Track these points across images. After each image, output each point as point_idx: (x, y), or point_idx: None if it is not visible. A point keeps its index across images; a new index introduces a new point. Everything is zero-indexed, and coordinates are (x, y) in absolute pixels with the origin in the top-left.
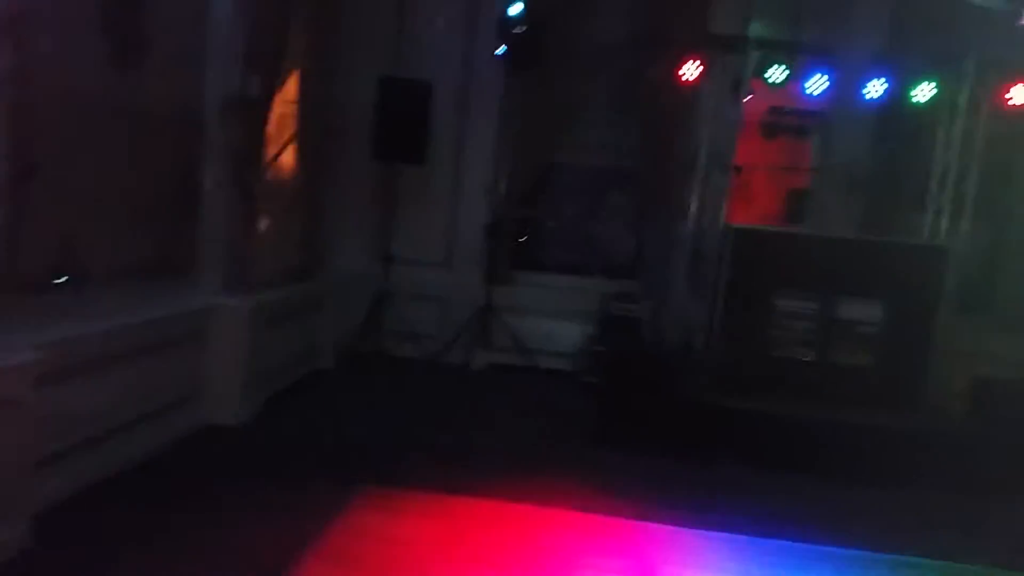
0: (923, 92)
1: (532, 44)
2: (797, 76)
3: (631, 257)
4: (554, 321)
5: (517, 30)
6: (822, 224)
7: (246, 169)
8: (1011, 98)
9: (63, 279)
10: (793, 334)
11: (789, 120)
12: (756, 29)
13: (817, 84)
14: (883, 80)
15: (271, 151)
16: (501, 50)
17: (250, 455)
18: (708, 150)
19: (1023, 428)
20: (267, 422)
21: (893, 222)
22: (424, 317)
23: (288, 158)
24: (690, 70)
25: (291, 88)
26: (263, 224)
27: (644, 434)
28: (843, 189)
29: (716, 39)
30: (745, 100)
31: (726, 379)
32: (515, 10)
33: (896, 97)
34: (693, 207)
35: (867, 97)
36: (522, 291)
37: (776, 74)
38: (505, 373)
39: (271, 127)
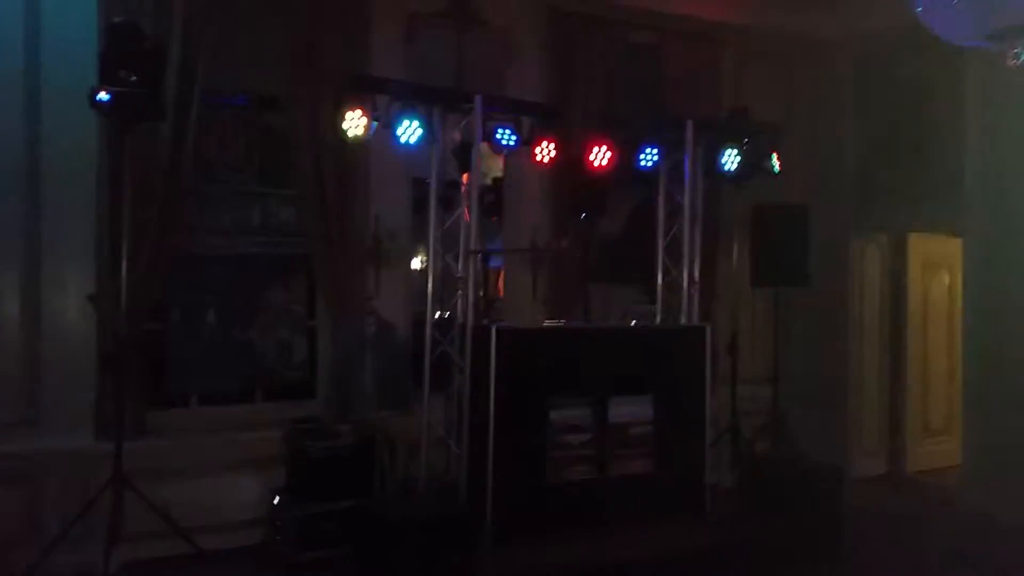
0: (649, 157)
1: (151, 89)
2: (527, 141)
3: (305, 370)
4: (220, 478)
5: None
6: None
7: None
8: (726, 163)
9: None
10: (570, 451)
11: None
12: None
13: (544, 151)
14: (604, 149)
15: None
16: (103, 96)
17: None
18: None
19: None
20: None
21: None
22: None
23: None
24: (409, 131)
25: None
26: None
27: None
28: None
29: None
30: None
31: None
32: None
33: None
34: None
35: (594, 163)
36: (164, 443)
37: (506, 137)
38: (157, 572)
39: None
